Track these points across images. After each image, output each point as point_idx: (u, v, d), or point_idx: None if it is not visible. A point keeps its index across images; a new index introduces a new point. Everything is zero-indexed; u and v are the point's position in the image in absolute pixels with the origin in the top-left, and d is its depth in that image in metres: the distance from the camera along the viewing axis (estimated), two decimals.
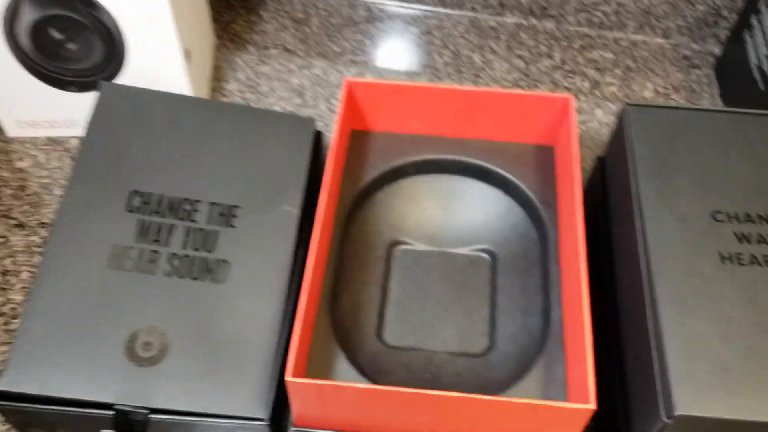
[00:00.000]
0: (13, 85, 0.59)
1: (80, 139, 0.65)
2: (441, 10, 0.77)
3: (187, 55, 0.60)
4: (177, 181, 0.51)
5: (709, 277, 0.41)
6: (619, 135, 0.49)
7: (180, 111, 0.54)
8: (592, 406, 0.37)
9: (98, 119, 0.52)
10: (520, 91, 0.53)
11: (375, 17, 0.76)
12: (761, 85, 0.60)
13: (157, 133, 0.52)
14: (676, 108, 0.49)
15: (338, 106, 0.68)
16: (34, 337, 0.44)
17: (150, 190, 0.50)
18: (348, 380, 0.44)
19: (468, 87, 0.52)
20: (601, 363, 0.43)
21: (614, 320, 0.46)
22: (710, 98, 0.70)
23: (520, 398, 0.38)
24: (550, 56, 0.74)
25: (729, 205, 0.44)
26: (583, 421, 0.38)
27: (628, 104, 0.49)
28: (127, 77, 0.60)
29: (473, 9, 0.77)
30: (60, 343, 0.44)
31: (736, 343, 0.38)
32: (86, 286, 0.46)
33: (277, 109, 0.68)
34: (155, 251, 0.48)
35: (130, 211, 0.49)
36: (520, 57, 0.74)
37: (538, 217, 0.51)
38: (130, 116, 0.53)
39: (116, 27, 0.56)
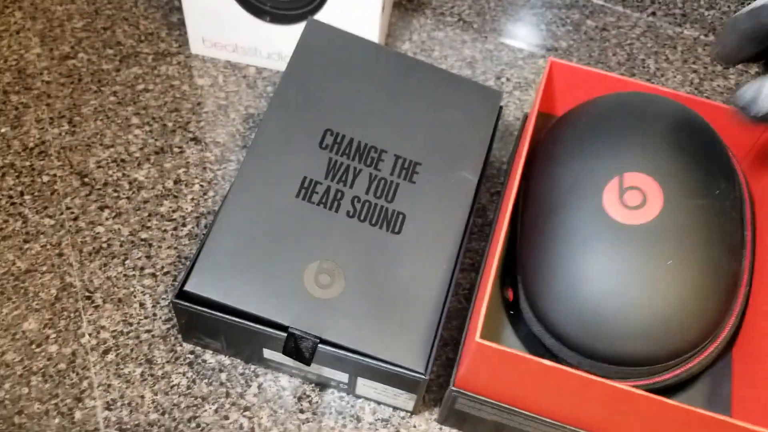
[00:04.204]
0: (211, 3, 0.61)
1: (257, 68, 0.66)
2: (620, 8, 0.76)
3: (383, 5, 0.60)
4: (367, 127, 0.52)
5: None
6: None
7: (377, 60, 0.54)
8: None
9: (300, 53, 0.53)
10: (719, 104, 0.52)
11: (553, 3, 0.75)
12: None
13: (354, 78, 0.53)
14: None
15: (515, 82, 0.67)
16: (223, 247, 0.46)
17: (342, 131, 0.51)
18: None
19: (667, 89, 0.51)
20: None
21: None
22: None
23: (715, 413, 0.37)
24: (725, 77, 0.72)
25: None
26: None
27: None
28: (323, 18, 0.61)
29: (653, 14, 0.75)
30: (245, 259, 0.46)
31: None
32: (275, 211, 0.47)
33: None
34: (340, 191, 0.49)
35: (323, 148, 0.50)
36: (694, 71, 0.72)
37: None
38: (330, 56, 0.54)
39: None
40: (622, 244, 0.42)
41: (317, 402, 0.49)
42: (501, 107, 0.57)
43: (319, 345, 0.44)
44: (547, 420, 0.43)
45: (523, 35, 0.72)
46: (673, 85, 0.70)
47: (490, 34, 0.72)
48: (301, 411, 0.49)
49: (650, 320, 0.40)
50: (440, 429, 0.49)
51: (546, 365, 0.38)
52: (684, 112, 0.47)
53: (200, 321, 0.47)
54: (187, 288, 0.45)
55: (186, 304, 0.45)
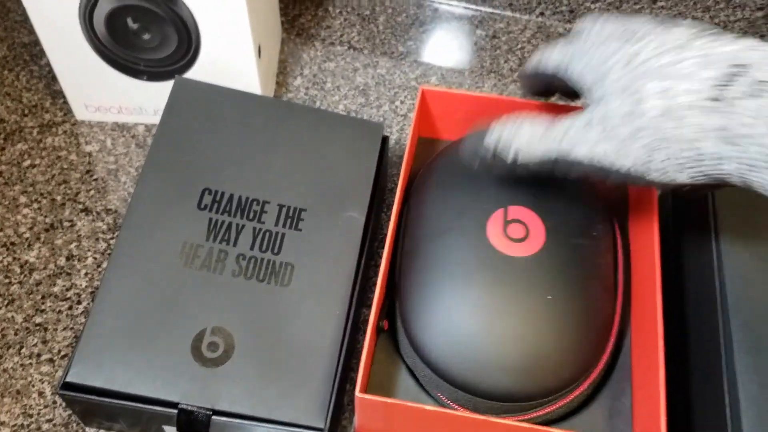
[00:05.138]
0: (85, 69, 0.60)
1: (146, 126, 0.65)
2: (509, 13, 0.76)
3: (258, 50, 0.60)
4: (247, 180, 0.51)
5: None
6: None
7: (251, 110, 0.53)
8: None
9: (170, 113, 0.52)
10: None
11: (441, 17, 0.75)
12: None
13: (228, 131, 0.52)
14: None
15: (409, 104, 0.67)
16: (103, 329, 0.45)
17: (220, 188, 0.50)
18: (410, 394, 0.44)
19: (542, 100, 0.51)
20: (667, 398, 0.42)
21: (683, 352, 0.45)
22: None
23: None
24: None
25: None
26: None
27: None
28: (198, 70, 0.60)
29: (542, 14, 0.76)
30: (128, 338, 0.45)
31: None
32: (156, 282, 0.46)
33: (341, 107, 0.67)
34: (223, 251, 0.48)
35: (201, 209, 0.49)
36: None
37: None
38: (202, 112, 0.53)
39: (192, 20, 0.56)
40: (504, 274, 0.42)
41: None
42: (386, 137, 0.56)
43: (214, 417, 0.44)
44: None
45: (413, 55, 0.72)
46: None
47: (381, 58, 0.72)
48: None
49: (527, 356, 0.40)
50: None
51: (428, 410, 0.38)
52: None
53: (93, 407, 0.45)
54: (69, 379, 0.43)
55: (72, 393, 0.44)
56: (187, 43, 0.58)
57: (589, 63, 0.38)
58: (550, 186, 0.45)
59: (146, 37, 0.58)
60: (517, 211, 0.44)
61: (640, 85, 0.34)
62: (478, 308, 0.41)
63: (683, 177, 0.34)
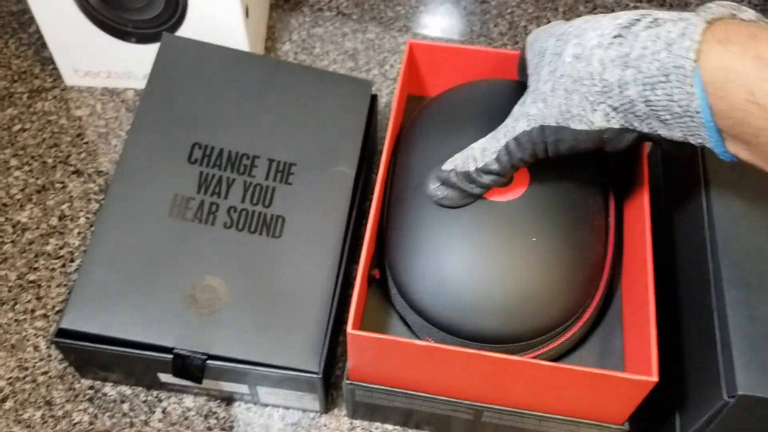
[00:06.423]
0: (74, 33, 0.60)
1: (136, 91, 0.65)
2: None
3: (246, 10, 0.60)
4: (236, 136, 0.51)
5: None
6: None
7: (240, 66, 0.54)
8: (654, 378, 0.37)
9: (159, 70, 0.53)
10: None
11: None
12: None
13: (217, 87, 0.53)
14: None
15: (399, 68, 0.67)
16: (96, 278, 0.45)
17: (210, 143, 0.51)
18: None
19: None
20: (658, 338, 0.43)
21: (673, 295, 0.46)
22: None
23: (583, 367, 0.38)
24: None
25: None
26: (643, 393, 0.38)
27: None
28: (186, 32, 0.60)
29: None
30: (121, 286, 0.45)
31: None
32: (148, 233, 0.47)
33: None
34: (215, 203, 0.49)
35: (192, 162, 0.50)
36: None
37: None
38: (191, 69, 0.53)
39: None
40: (488, 219, 0.42)
41: (224, 417, 0.49)
42: (375, 95, 0.57)
43: (208, 361, 0.44)
44: (443, 398, 0.43)
45: (402, 20, 0.72)
46: None
47: (370, 23, 0.72)
48: (209, 429, 0.48)
49: (513, 297, 0.41)
50: (351, 424, 0.49)
51: (417, 344, 0.39)
52: None
53: (88, 356, 0.46)
54: (63, 325, 0.44)
55: (67, 341, 0.45)
56: (174, 3, 0.58)
57: (532, 52, 0.41)
58: None
59: None
60: None
61: (562, 47, 0.37)
62: (463, 253, 0.42)
63: (598, 118, 0.36)
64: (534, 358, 0.43)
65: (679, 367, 0.43)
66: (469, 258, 0.41)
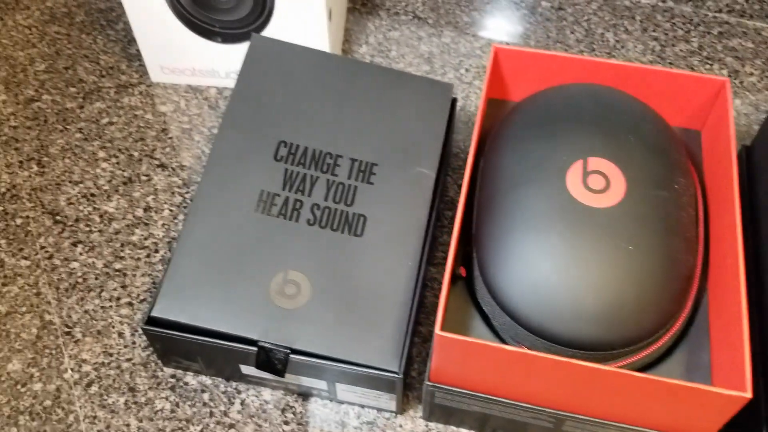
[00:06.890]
0: (163, 32, 0.62)
1: (218, 89, 0.67)
2: None
3: (329, 14, 0.61)
4: (320, 135, 0.52)
5: None
6: None
7: (324, 67, 0.55)
8: (748, 394, 0.36)
9: (248, 70, 0.54)
10: (673, 70, 0.51)
11: None
12: None
13: (302, 87, 0.54)
14: None
15: (474, 72, 0.68)
16: (186, 269, 0.46)
17: (296, 141, 0.52)
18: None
19: (618, 61, 0.51)
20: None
21: (757, 304, 0.45)
22: None
23: (678, 380, 0.37)
24: (686, 41, 0.71)
25: None
26: (735, 408, 0.37)
27: None
28: (270, 33, 0.61)
29: None
30: (210, 278, 0.46)
31: None
32: (235, 227, 0.48)
33: None
34: (299, 200, 0.50)
35: (278, 160, 0.51)
36: (655, 39, 0.71)
37: None
38: (278, 69, 0.54)
39: None
40: (583, 224, 0.42)
41: (301, 412, 0.50)
42: (455, 99, 0.57)
43: (291, 355, 0.45)
44: (525, 405, 0.43)
45: (478, 25, 0.72)
46: (634, 56, 0.70)
47: (445, 27, 0.72)
48: (286, 423, 0.49)
49: (608, 304, 0.40)
50: (426, 426, 0.49)
51: (508, 350, 0.39)
52: (647, 109, 0.48)
53: (174, 344, 0.47)
54: (154, 314, 0.45)
55: (156, 329, 0.46)
56: (261, 5, 0.59)
57: None
58: (630, 138, 0.45)
59: None
60: (596, 162, 0.44)
61: None
62: (559, 257, 0.41)
63: None
64: (620, 368, 0.43)
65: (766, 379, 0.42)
66: (565, 264, 0.41)
